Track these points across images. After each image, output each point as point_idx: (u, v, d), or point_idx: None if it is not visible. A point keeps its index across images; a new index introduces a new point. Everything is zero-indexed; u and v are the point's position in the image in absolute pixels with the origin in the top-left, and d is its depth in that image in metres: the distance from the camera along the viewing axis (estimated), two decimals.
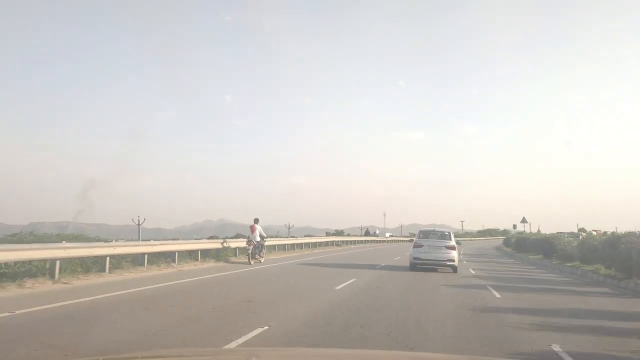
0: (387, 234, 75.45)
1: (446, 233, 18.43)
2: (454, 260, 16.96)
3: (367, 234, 67.69)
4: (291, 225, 53.32)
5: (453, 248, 17.23)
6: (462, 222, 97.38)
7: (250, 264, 18.09)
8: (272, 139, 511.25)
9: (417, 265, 17.30)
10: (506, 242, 51.43)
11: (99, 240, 15.47)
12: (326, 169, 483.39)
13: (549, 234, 34.91)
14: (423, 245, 17.37)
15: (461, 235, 71.82)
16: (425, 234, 18.56)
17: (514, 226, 71.14)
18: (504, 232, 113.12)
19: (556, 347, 5.92)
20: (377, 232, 77.52)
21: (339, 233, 64.97)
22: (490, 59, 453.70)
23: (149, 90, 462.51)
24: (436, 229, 19.33)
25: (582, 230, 60.30)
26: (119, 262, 13.79)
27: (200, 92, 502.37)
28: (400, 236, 77.05)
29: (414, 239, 19.84)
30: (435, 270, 17.17)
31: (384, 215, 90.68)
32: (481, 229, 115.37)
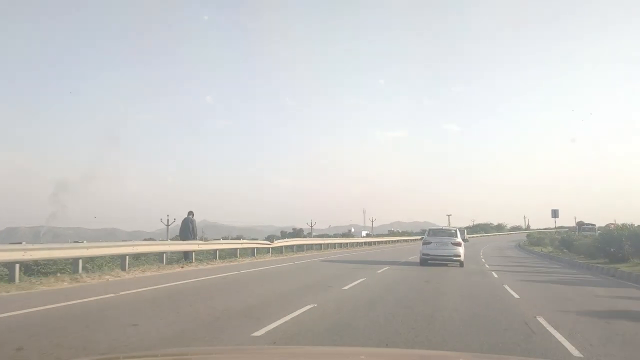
0: (364, 233, 66.65)
1: (452, 231, 20.26)
2: (460, 256, 18.49)
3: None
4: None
5: (459, 245, 18.76)
6: (448, 216, 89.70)
7: None
8: (254, 139, 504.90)
9: (428, 261, 18.65)
10: (568, 245, 31.13)
11: None
12: (309, 169, 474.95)
13: None
14: (431, 243, 18.95)
15: None
16: (434, 232, 20.12)
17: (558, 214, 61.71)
18: (499, 227, 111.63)
19: None
20: (353, 230, 70.21)
21: (297, 233, 54.91)
22: (473, 56, 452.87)
23: (129, 90, 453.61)
24: (443, 227, 21.57)
25: (580, 223, 53.49)
26: None
27: (180, 92, 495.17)
28: (374, 236, 62.15)
29: (423, 236, 22.17)
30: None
31: (364, 212, 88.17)
32: (471, 224, 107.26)
